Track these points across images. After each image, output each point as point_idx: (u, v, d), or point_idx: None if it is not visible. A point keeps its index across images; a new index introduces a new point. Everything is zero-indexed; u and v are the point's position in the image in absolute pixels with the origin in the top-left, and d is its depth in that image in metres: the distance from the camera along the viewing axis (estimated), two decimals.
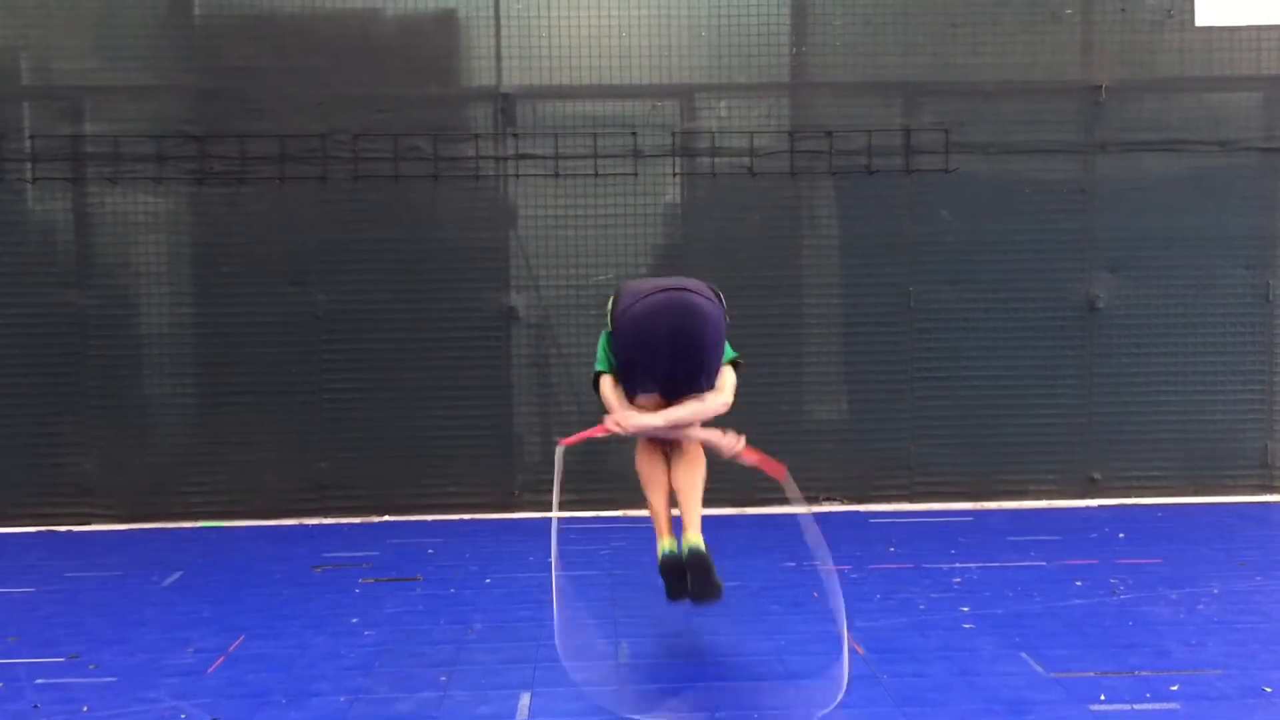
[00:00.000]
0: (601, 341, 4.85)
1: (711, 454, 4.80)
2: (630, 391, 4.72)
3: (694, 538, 4.58)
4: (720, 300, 4.72)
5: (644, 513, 4.83)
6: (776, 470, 4.70)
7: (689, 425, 4.68)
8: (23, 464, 7.43)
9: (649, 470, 4.86)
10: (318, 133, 7.42)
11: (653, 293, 4.61)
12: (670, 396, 4.69)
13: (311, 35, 7.45)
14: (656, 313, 4.55)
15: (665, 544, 4.69)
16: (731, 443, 4.68)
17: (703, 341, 4.58)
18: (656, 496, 4.82)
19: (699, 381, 4.65)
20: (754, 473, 7.38)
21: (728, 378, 4.78)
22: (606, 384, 4.78)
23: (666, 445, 4.85)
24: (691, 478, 4.78)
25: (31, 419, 7.43)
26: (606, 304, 4.82)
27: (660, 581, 4.73)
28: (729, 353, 4.81)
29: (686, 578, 4.57)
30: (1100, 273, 7.66)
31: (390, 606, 5.50)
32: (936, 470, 7.67)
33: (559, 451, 4.70)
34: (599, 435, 4.72)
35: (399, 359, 7.50)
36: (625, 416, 4.63)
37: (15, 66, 7.44)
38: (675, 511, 4.77)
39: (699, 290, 4.64)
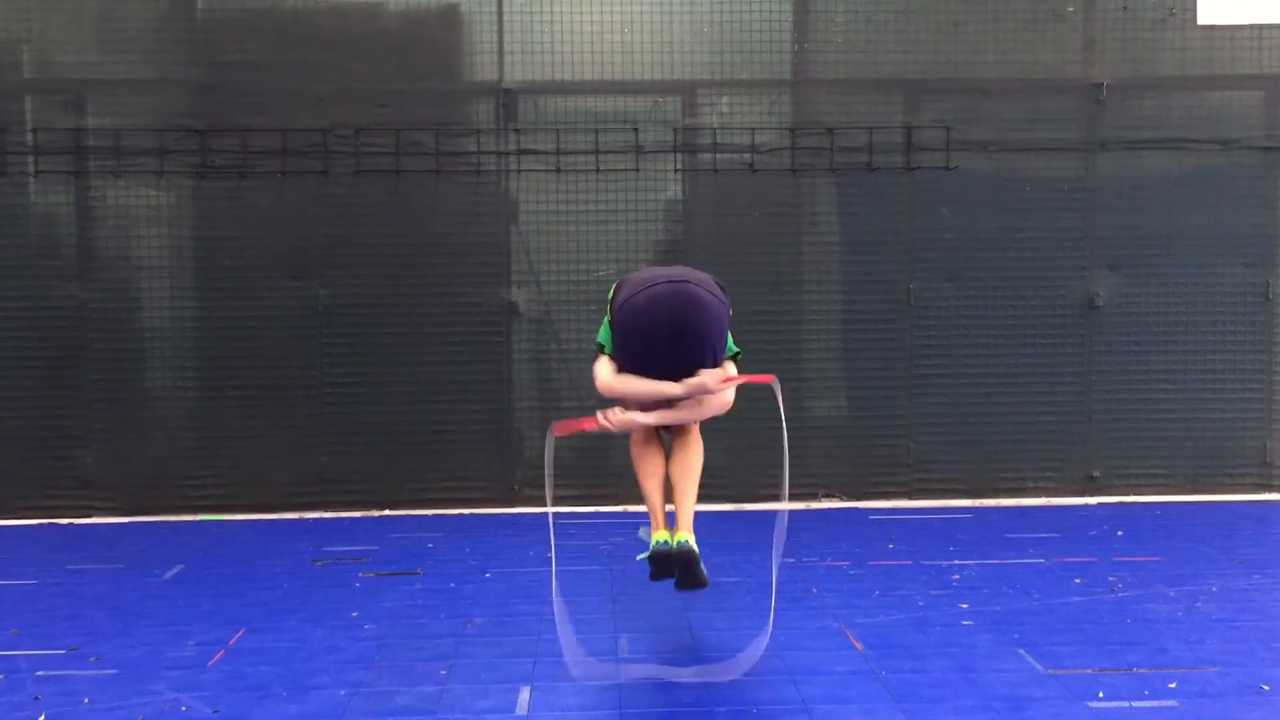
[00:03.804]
0: (605, 323, 4.80)
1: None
2: None
3: (684, 535, 4.57)
4: (723, 292, 4.68)
5: (645, 508, 4.82)
6: (764, 379, 4.65)
7: (688, 419, 4.68)
8: (24, 457, 7.44)
9: (643, 459, 4.81)
10: (319, 127, 7.42)
11: (653, 284, 4.54)
12: None
13: (314, 29, 7.45)
14: (656, 304, 4.48)
15: (659, 535, 4.67)
16: (721, 401, 4.64)
17: (703, 333, 4.52)
18: (651, 485, 4.77)
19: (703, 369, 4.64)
20: (754, 470, 7.41)
21: (730, 374, 4.74)
22: (602, 363, 4.70)
23: (663, 429, 4.84)
24: (687, 469, 4.73)
25: (33, 412, 7.44)
26: (609, 292, 4.78)
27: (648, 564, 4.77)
28: (730, 347, 4.79)
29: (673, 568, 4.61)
30: (1100, 271, 7.67)
31: (390, 600, 5.51)
32: (936, 467, 7.69)
33: (550, 437, 4.70)
34: (590, 428, 4.69)
35: (400, 353, 7.51)
36: (614, 413, 4.58)
37: (18, 59, 7.44)
38: (669, 506, 4.77)
39: (701, 282, 4.57)
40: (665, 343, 4.51)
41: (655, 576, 4.70)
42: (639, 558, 5.04)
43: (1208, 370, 7.73)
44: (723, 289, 4.66)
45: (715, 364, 4.61)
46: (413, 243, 7.49)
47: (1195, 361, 7.72)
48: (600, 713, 4.09)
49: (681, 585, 4.58)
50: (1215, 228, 7.68)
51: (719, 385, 4.55)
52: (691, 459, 4.75)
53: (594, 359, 4.81)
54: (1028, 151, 7.60)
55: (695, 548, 4.53)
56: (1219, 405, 7.74)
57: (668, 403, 4.66)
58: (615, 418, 4.57)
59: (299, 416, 7.50)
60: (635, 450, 4.86)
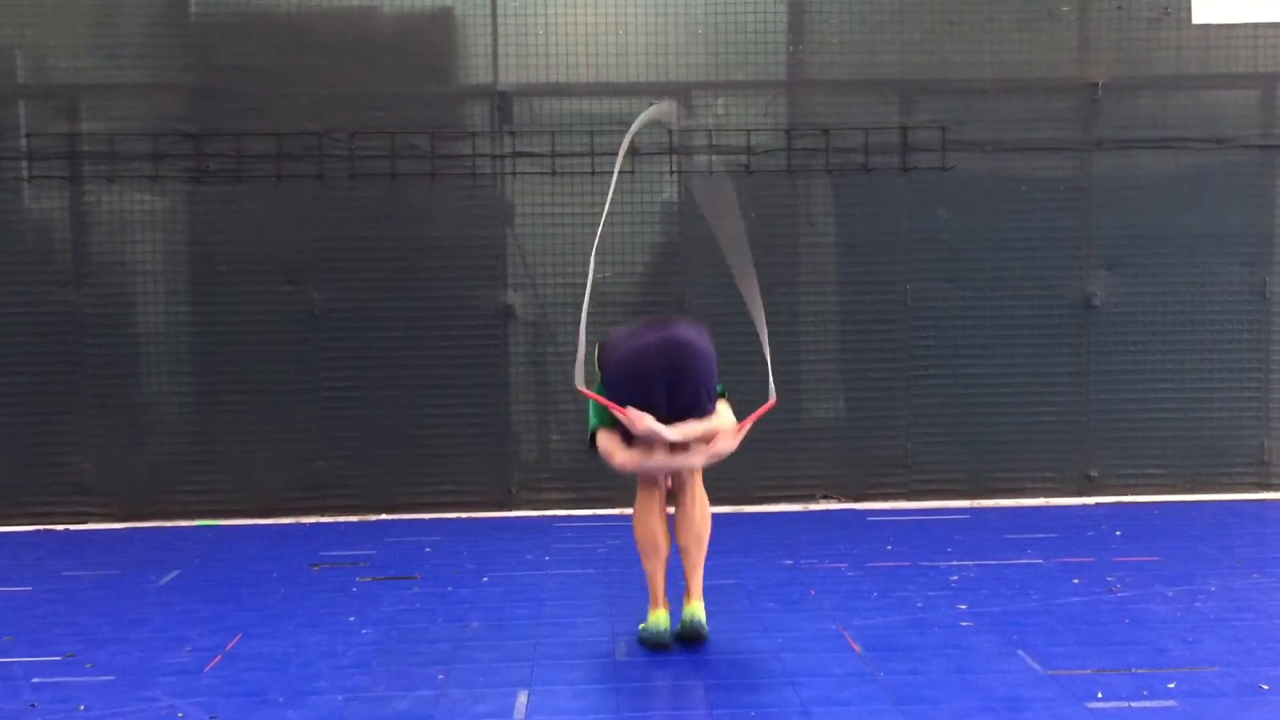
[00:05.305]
0: (591, 404, 4.78)
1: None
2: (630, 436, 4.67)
3: (696, 608, 4.63)
4: (709, 337, 4.68)
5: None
6: (766, 408, 4.67)
7: (692, 459, 4.64)
8: (20, 463, 7.42)
9: (646, 532, 4.76)
10: (314, 131, 7.41)
11: (641, 336, 4.62)
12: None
13: (308, 33, 7.44)
14: (648, 353, 4.54)
15: (659, 617, 4.69)
16: (729, 446, 4.65)
17: (695, 376, 4.56)
18: (653, 563, 4.76)
19: (701, 406, 4.61)
20: (752, 471, 7.39)
21: (726, 416, 4.68)
22: (604, 437, 4.70)
23: (668, 491, 4.81)
24: (697, 535, 4.73)
25: (28, 418, 7.42)
26: (592, 353, 4.73)
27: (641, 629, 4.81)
28: (718, 388, 4.77)
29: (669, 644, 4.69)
30: (1097, 270, 7.67)
31: (388, 605, 5.50)
32: (933, 468, 7.68)
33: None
34: (618, 413, 4.56)
35: (396, 357, 7.49)
36: (640, 416, 4.51)
37: (11, 65, 7.42)
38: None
39: (687, 329, 4.64)
40: (660, 388, 4.54)
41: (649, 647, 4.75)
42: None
43: (1205, 369, 7.72)
44: (708, 334, 4.70)
45: (709, 403, 4.62)
46: (408, 246, 7.48)
47: (1192, 360, 7.72)
48: (598, 716, 4.07)
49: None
50: (1212, 227, 7.68)
51: (734, 440, 4.62)
52: (701, 528, 4.74)
53: (589, 447, 4.80)
54: (1024, 151, 7.60)
55: (704, 625, 4.62)
56: (1216, 404, 7.73)
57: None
58: (641, 421, 4.48)
59: (295, 421, 7.49)
60: (637, 519, 4.79)
